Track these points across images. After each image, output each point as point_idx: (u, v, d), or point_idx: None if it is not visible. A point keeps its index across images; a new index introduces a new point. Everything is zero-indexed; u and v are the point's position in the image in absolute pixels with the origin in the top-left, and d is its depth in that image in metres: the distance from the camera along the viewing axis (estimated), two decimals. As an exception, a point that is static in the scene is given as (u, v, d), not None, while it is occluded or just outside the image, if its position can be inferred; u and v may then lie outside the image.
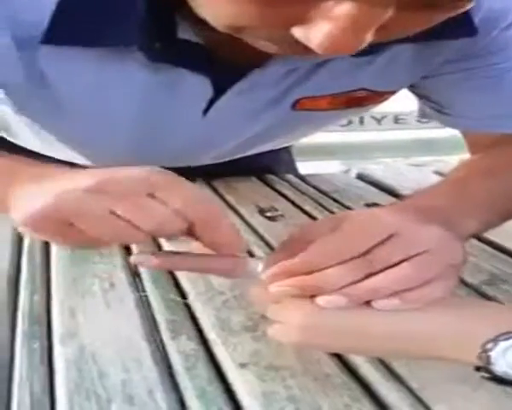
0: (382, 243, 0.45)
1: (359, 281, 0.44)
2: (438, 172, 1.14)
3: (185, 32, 0.59)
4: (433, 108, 0.77)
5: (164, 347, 0.54)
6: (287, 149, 1.15)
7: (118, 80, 0.64)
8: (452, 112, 0.74)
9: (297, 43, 0.42)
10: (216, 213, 0.47)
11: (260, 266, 0.48)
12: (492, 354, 0.41)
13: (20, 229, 0.47)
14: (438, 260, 0.45)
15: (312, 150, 2.33)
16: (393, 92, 0.77)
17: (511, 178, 0.65)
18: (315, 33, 0.40)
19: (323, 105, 0.74)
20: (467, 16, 0.62)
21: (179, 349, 0.53)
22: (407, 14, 0.40)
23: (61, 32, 0.57)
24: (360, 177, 1.16)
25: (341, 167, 3.04)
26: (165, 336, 0.55)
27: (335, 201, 0.98)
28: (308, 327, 0.46)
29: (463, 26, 0.62)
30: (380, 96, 0.76)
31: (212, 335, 0.55)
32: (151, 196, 0.45)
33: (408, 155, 3.28)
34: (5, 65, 0.61)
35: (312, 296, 0.45)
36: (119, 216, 0.44)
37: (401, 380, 0.48)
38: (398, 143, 3.04)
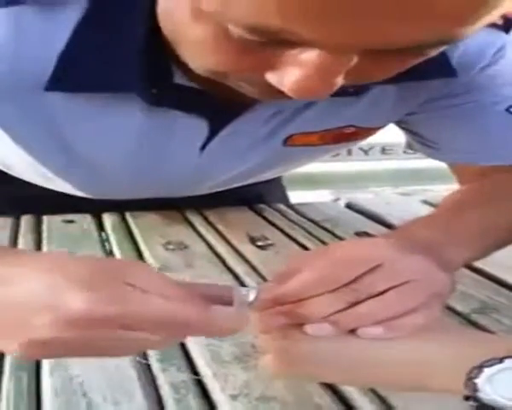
0: (368, 272, 0.45)
1: (346, 309, 0.44)
2: (426, 202, 1.14)
3: (180, 78, 0.61)
4: (420, 142, 0.78)
5: (154, 378, 0.52)
6: (278, 179, 1.15)
7: (118, 123, 0.66)
8: (438, 146, 0.76)
9: (273, 86, 0.44)
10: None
11: (251, 296, 0.46)
12: (478, 381, 0.40)
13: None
14: (421, 289, 0.45)
15: (302, 180, 2.33)
16: (381, 127, 0.78)
17: (500, 207, 0.65)
18: (286, 78, 0.42)
19: (314, 141, 0.75)
20: (445, 58, 0.64)
21: (169, 381, 0.51)
22: (374, 59, 0.40)
23: (65, 79, 0.59)
24: (350, 206, 1.15)
25: (331, 197, 3.04)
26: (156, 367, 0.54)
27: (326, 230, 0.97)
28: (296, 356, 0.45)
29: (442, 67, 0.64)
30: (367, 131, 0.77)
31: (202, 366, 0.54)
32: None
33: (396, 185, 3.29)
34: (9, 108, 0.62)
35: (300, 325, 0.45)
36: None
37: (394, 412, 0.46)
38: (385, 173, 3.05)
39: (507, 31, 0.68)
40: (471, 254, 0.58)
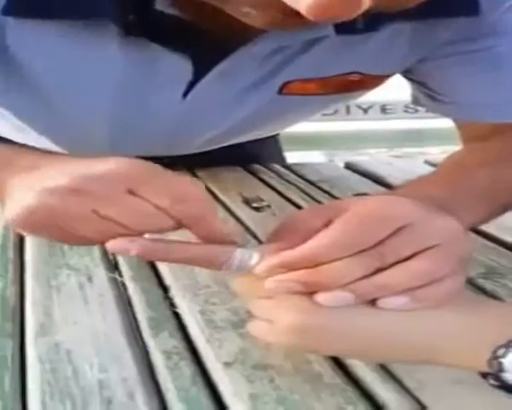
0: (394, 234, 0.41)
1: (368, 276, 0.40)
2: (428, 162, 1.13)
3: (163, 4, 0.56)
4: (428, 94, 0.74)
5: (144, 345, 0.51)
6: (274, 138, 1.13)
7: (90, 57, 0.61)
8: (447, 99, 0.72)
9: (284, 9, 0.39)
10: (205, 211, 0.45)
11: (254, 258, 0.44)
12: (505, 361, 0.38)
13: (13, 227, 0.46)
14: (452, 253, 0.42)
15: (295, 140, 2.30)
16: (388, 76, 0.74)
17: (506, 168, 0.63)
18: None
19: (312, 90, 0.70)
20: None
21: (161, 347, 0.51)
22: None
23: (22, 2, 0.54)
24: (348, 166, 1.14)
25: (323, 158, 3.03)
26: (146, 333, 0.53)
27: (323, 191, 0.97)
28: (303, 328, 0.42)
29: (465, 3, 0.60)
30: (373, 80, 0.73)
31: (195, 332, 0.53)
32: (132, 192, 0.43)
33: (395, 146, 3.29)
34: None
35: (310, 293, 0.41)
36: (103, 216, 0.43)
37: (398, 380, 0.46)
38: (385, 134, 3.04)
39: None
40: (477, 216, 0.57)
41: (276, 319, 0.43)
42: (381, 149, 3.43)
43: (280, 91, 0.70)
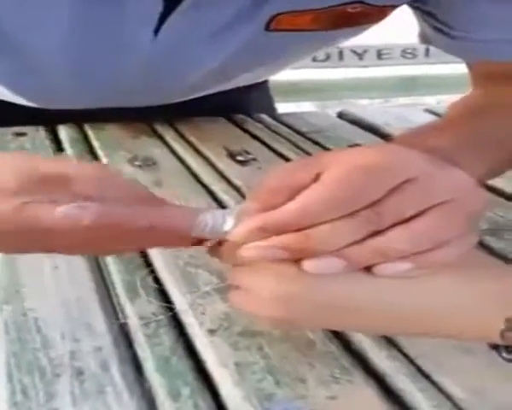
0: (395, 190, 0.38)
1: (363, 240, 0.38)
2: (429, 111, 1.12)
3: None
4: (440, 29, 0.70)
5: (121, 311, 0.51)
6: (263, 85, 1.10)
7: None
8: (462, 34, 0.68)
9: None
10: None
11: (229, 222, 0.41)
12: None
13: None
14: (461, 212, 0.39)
15: (281, 90, 2.27)
16: (394, 7, 0.69)
17: None
18: None
19: (305, 24, 0.67)
20: None
21: (138, 313, 0.50)
22: None
23: None
24: (341, 115, 1.14)
25: (314, 109, 3.02)
26: (122, 298, 0.53)
27: (314, 142, 0.96)
28: (287, 298, 0.40)
29: None
30: (376, 13, 0.69)
31: (176, 296, 0.53)
32: None
33: (390, 96, 3.28)
34: None
35: (296, 260, 0.39)
36: None
37: (397, 348, 0.46)
38: (380, 81, 3.03)
39: None
40: (490, 167, 0.55)
41: (258, 288, 0.41)
42: (375, 100, 3.43)
43: (267, 27, 0.66)
